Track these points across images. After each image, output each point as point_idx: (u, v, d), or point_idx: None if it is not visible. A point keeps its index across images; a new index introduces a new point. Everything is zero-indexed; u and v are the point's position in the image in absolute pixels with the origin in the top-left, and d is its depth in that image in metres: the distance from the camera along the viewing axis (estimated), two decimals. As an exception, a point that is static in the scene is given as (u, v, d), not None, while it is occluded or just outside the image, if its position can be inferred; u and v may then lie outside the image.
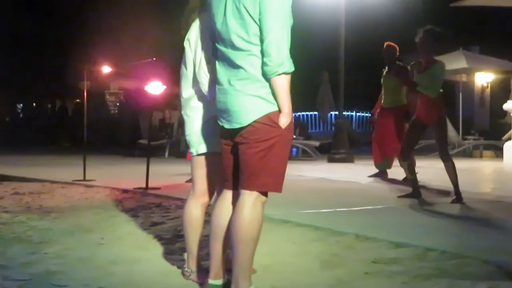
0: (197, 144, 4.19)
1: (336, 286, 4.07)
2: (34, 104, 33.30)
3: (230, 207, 3.79)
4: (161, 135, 18.00)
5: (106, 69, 11.55)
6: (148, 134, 10.92)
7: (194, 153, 4.22)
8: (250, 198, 3.61)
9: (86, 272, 4.49)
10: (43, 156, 16.96)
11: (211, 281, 3.84)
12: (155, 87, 8.94)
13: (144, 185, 8.76)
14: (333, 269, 4.52)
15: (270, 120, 3.56)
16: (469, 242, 5.19)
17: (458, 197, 7.47)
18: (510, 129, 16.81)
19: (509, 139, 16.53)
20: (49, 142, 24.70)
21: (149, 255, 5.05)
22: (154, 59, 9.28)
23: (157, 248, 5.28)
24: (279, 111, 3.56)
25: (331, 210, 6.76)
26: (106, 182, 9.67)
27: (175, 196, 7.88)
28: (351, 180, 10.23)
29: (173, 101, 17.90)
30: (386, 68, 10.43)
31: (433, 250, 4.77)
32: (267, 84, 3.55)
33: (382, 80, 10.44)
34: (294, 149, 17.11)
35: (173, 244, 5.42)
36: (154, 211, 7.03)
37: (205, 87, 4.05)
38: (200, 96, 4.17)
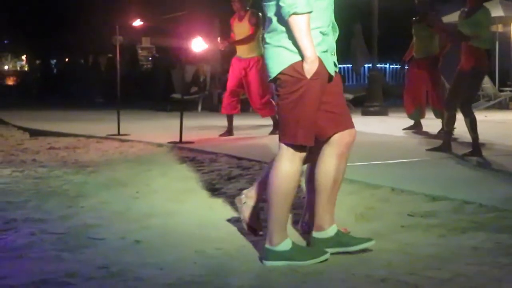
0: None
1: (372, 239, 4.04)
2: (67, 59, 33.43)
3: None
4: (194, 89, 17.98)
5: (137, 23, 11.41)
6: (181, 87, 10.90)
7: None
8: (287, 152, 3.60)
9: (122, 225, 4.53)
10: (77, 111, 17.07)
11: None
12: (198, 45, 9.00)
13: (177, 139, 8.78)
14: (369, 222, 4.51)
15: (295, 71, 3.52)
16: (507, 195, 5.11)
17: (474, 151, 7.24)
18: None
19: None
20: (83, 97, 24.83)
21: (185, 208, 5.08)
22: (186, 12, 9.26)
23: (192, 201, 5.30)
24: None
25: (366, 163, 6.69)
26: (140, 136, 9.70)
27: (209, 150, 7.88)
28: (386, 133, 10.15)
29: (205, 55, 17.82)
30: (418, 17, 10.22)
31: (470, 203, 4.72)
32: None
33: (413, 29, 10.26)
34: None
35: (208, 197, 5.44)
36: (188, 165, 7.04)
37: None
38: None
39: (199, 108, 17.48)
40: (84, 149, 8.74)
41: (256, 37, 9.38)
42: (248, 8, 9.46)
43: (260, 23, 9.37)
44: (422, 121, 10.44)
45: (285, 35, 3.51)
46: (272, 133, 9.83)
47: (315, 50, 3.49)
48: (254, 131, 10.73)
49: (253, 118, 11.94)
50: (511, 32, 22.56)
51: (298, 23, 3.45)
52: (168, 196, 5.50)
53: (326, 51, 3.60)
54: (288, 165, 3.59)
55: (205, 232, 4.31)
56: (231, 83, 9.61)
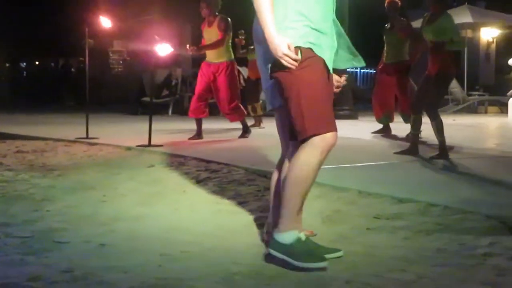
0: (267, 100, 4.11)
1: (338, 241, 4.06)
2: (37, 62, 33.17)
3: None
4: (166, 92, 17.94)
5: (106, 22, 11.14)
6: (151, 91, 10.87)
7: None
8: (306, 144, 3.56)
9: (88, 229, 4.50)
10: (47, 115, 16.93)
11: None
12: (163, 49, 9.02)
13: (147, 143, 8.74)
14: (335, 225, 4.52)
15: (282, 65, 3.48)
16: (472, 197, 5.17)
17: (441, 154, 7.31)
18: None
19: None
20: (53, 100, 24.62)
21: (152, 211, 5.06)
22: (152, 16, 9.29)
23: (160, 205, 5.28)
24: None
25: (334, 166, 6.70)
26: (109, 139, 9.64)
27: (178, 153, 7.85)
28: (355, 137, 10.19)
29: (177, 58, 17.80)
30: (389, 23, 10.32)
31: (436, 205, 4.75)
32: (279, 27, 3.47)
33: (384, 35, 10.36)
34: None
35: (176, 201, 5.42)
36: (157, 168, 7.02)
37: None
38: None
39: (170, 111, 17.44)
40: (52, 153, 8.66)
41: (225, 42, 9.41)
42: (217, 13, 9.47)
43: (229, 28, 9.39)
44: (391, 124, 10.53)
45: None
46: (241, 136, 9.84)
47: (286, 35, 3.41)
48: (224, 134, 10.73)
49: (222, 121, 11.94)
50: (479, 37, 22.84)
51: (256, 1, 3.44)
52: (136, 200, 5.48)
53: (315, 44, 3.49)
54: (303, 156, 3.55)
55: (171, 236, 4.30)
56: (199, 87, 9.61)
